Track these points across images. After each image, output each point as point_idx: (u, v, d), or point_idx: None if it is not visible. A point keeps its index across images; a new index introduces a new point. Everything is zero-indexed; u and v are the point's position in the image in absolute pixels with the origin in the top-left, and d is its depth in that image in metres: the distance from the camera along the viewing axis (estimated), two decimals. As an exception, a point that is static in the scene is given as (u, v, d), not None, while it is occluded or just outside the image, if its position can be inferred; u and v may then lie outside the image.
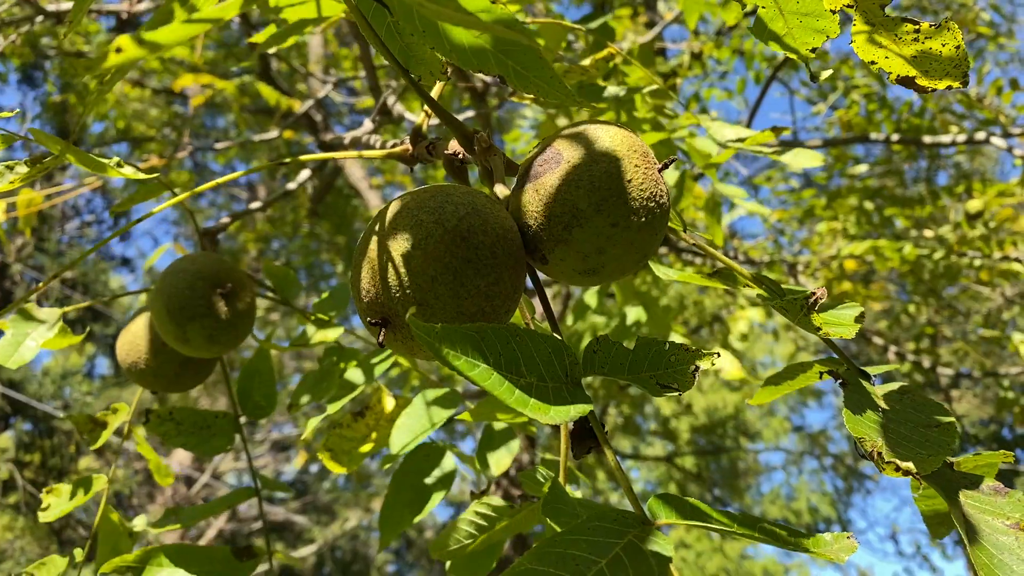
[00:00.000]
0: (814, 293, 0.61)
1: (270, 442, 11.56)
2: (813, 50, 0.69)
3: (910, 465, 0.54)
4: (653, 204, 0.60)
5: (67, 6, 5.01)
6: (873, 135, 4.11)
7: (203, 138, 10.71)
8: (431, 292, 0.57)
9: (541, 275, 0.98)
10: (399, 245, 0.58)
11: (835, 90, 4.93)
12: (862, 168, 4.80)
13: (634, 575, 0.45)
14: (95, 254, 14.26)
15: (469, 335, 0.49)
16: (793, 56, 0.71)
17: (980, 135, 3.69)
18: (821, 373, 0.74)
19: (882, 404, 0.67)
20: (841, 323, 0.65)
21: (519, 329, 0.52)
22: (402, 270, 0.57)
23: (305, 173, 1.43)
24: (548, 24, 1.55)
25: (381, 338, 0.58)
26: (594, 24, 2.14)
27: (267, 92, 5.91)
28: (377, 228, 0.61)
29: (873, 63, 0.66)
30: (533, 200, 0.61)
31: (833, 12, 0.63)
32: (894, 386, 0.71)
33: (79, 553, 1.27)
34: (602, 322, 3.35)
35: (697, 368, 0.59)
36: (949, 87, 0.65)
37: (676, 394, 0.56)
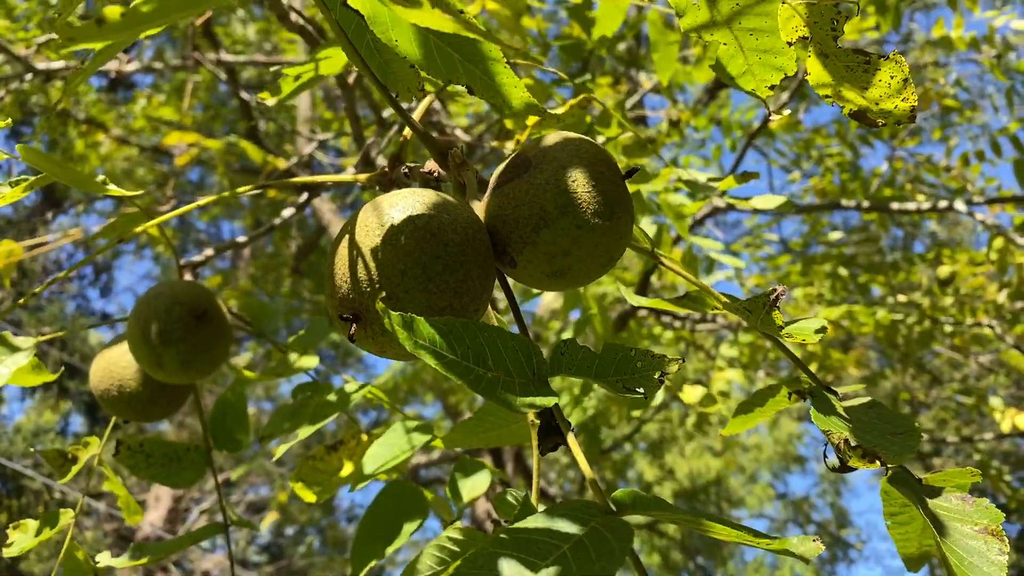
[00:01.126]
0: (775, 291, 0.63)
1: (245, 503, 11.29)
2: (772, 87, 0.73)
3: (877, 452, 0.55)
4: (618, 209, 0.63)
5: (57, 65, 5.09)
6: (845, 202, 4.22)
7: (189, 195, 10.77)
8: (400, 286, 0.59)
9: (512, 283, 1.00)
10: (370, 241, 0.60)
11: (809, 159, 5.08)
12: (837, 235, 4.91)
13: (596, 558, 0.46)
14: (75, 310, 14.11)
15: (438, 326, 0.50)
16: (751, 94, 0.75)
17: (943, 203, 3.81)
18: (790, 394, 0.76)
19: (849, 415, 0.69)
20: (803, 331, 0.68)
21: (488, 326, 0.54)
22: (371, 265, 0.59)
23: (289, 211, 1.45)
24: (530, 84, 1.62)
25: (352, 333, 0.60)
26: (575, 80, 2.22)
27: (253, 151, 5.99)
28: (350, 227, 0.63)
29: (828, 96, 0.70)
30: (502, 204, 0.64)
31: (790, 44, 0.67)
32: (861, 400, 0.73)
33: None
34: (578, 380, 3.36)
35: (663, 374, 0.60)
36: (899, 121, 0.69)
37: (639, 397, 0.57)
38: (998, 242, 4.18)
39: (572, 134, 0.66)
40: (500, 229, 0.64)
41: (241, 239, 1.49)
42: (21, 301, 0.89)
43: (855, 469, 0.65)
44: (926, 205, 3.96)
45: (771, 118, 0.73)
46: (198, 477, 1.27)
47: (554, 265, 0.62)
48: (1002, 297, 4.84)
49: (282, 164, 6.07)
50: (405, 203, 0.62)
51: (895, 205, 4.12)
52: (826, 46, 0.65)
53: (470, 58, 0.54)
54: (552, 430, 0.58)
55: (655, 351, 0.66)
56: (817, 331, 0.68)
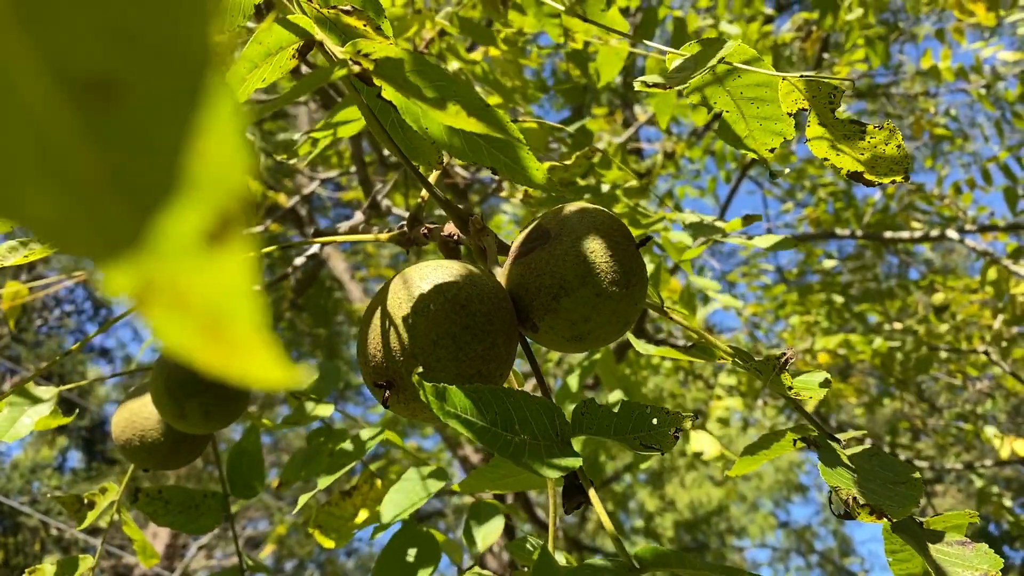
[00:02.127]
0: (785, 354, 0.67)
1: (244, 538, 11.20)
2: (772, 150, 0.77)
3: (883, 509, 0.59)
4: (633, 277, 0.67)
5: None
6: (839, 231, 4.28)
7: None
8: (432, 355, 0.62)
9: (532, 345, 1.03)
10: (402, 312, 0.64)
11: (803, 189, 5.15)
12: (831, 263, 4.96)
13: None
14: (73, 344, 14.08)
15: (468, 394, 0.54)
16: (754, 156, 0.79)
17: (935, 232, 3.87)
18: (795, 440, 0.79)
19: (852, 463, 0.73)
20: (809, 387, 0.71)
21: (514, 391, 0.57)
22: (405, 336, 0.62)
23: (300, 259, 1.49)
24: (532, 129, 1.66)
25: (386, 399, 0.63)
26: (572, 127, 2.27)
27: (254, 186, 6.04)
28: (382, 299, 0.66)
29: (826, 160, 0.74)
30: (524, 273, 0.68)
31: (790, 115, 0.72)
32: (863, 447, 0.76)
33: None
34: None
35: (678, 430, 0.64)
36: (893, 181, 0.73)
37: (657, 453, 0.60)
38: (992, 272, 4.23)
39: (589, 205, 0.70)
40: (523, 297, 0.68)
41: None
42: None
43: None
44: (919, 234, 4.01)
45: (774, 177, 0.77)
46: (216, 524, 1.29)
47: (574, 330, 0.66)
48: (997, 323, 4.89)
49: (282, 199, 6.12)
50: (434, 275, 0.65)
51: (888, 234, 4.18)
52: (824, 117, 0.69)
53: (496, 145, 0.58)
54: (576, 489, 0.61)
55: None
56: (822, 385, 0.72)
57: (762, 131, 0.76)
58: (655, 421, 0.62)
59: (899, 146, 0.69)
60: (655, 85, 0.65)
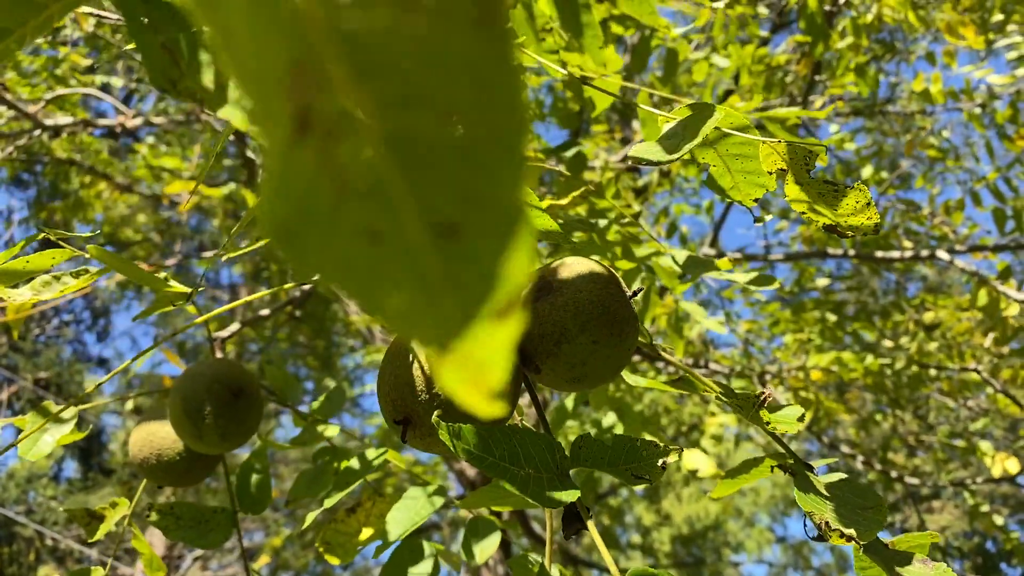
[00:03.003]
0: (763, 392, 0.73)
1: (239, 550, 11.20)
2: (756, 200, 0.84)
3: (852, 532, 0.65)
4: (626, 327, 0.73)
5: (65, 120, 5.21)
6: (832, 250, 4.35)
7: (188, 241, 10.88)
8: (445, 397, 0.68)
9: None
10: (421, 357, 0.70)
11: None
12: (824, 281, 5.03)
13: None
14: (72, 354, 14.09)
15: (480, 433, 0.60)
16: (739, 203, 0.85)
17: (925, 252, 3.95)
18: (772, 467, 0.85)
19: (826, 490, 0.79)
20: (786, 420, 0.78)
21: (520, 429, 0.63)
22: (420, 380, 0.68)
23: (308, 285, 1.55)
24: (531, 157, 1.73)
25: (404, 435, 0.69)
26: (569, 153, 2.34)
27: (252, 199, 6.10)
28: (401, 342, 0.72)
29: (804, 214, 0.81)
30: (529, 321, 0.74)
31: (770, 173, 0.78)
32: (835, 476, 0.82)
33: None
34: (577, 426, 3.45)
35: (665, 462, 0.70)
36: (864, 233, 0.79)
37: (647, 483, 0.67)
38: (983, 292, 4.30)
39: (587, 260, 0.76)
40: (527, 342, 0.74)
41: (264, 311, 1.59)
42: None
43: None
44: (909, 253, 4.09)
45: (758, 222, 0.84)
46: (225, 538, 1.35)
47: (573, 373, 0.72)
48: (988, 342, 4.96)
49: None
50: None
51: (879, 253, 4.25)
52: (800, 177, 0.76)
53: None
54: (574, 517, 0.67)
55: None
56: (799, 419, 0.78)
57: (746, 183, 0.83)
58: (644, 453, 0.68)
59: (868, 203, 0.76)
60: (649, 162, 0.72)
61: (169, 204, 8.56)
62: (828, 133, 5.24)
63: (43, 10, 0.37)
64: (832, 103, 5.02)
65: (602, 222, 1.47)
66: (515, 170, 0.16)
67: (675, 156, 0.71)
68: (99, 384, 1.27)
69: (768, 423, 0.73)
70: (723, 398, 0.77)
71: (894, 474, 4.97)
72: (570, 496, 0.61)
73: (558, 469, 0.64)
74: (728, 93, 4.51)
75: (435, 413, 0.62)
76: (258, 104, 0.15)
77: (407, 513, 1.18)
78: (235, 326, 1.42)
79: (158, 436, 1.22)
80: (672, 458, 0.69)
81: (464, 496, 1.41)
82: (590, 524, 0.65)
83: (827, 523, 0.66)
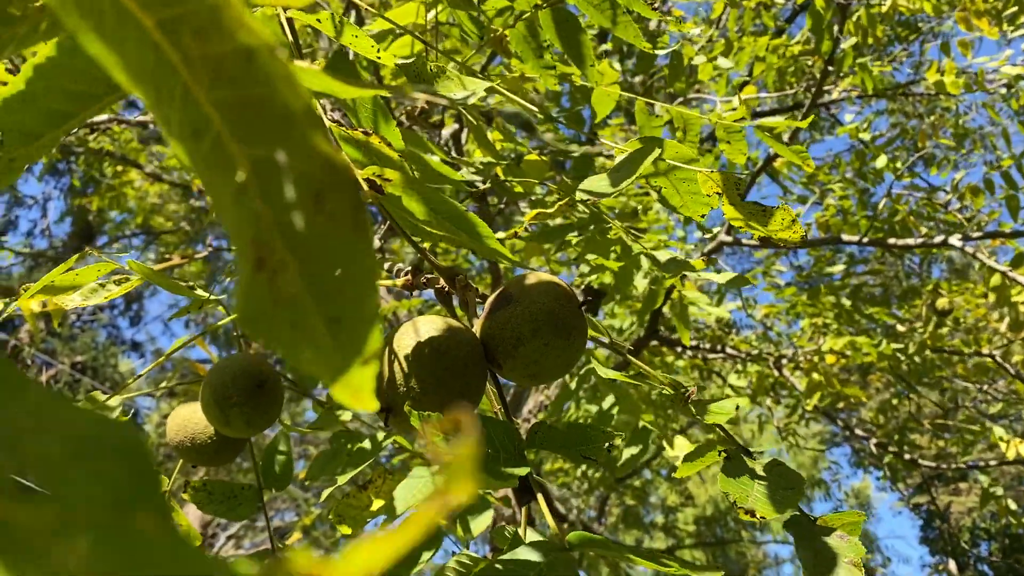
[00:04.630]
0: (687, 390, 0.86)
1: (272, 528, 11.52)
2: (703, 216, 0.96)
3: (753, 509, 0.78)
4: (574, 332, 0.86)
5: (101, 117, 5.41)
6: (846, 236, 4.42)
7: (217, 226, 11.16)
8: (421, 389, 0.82)
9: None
10: (400, 357, 0.84)
11: (813, 194, 5.29)
12: (839, 268, 5.09)
13: (550, 580, 0.68)
14: (106, 338, 14.50)
15: (446, 419, 0.74)
16: (690, 217, 0.98)
17: (939, 238, 4.00)
18: (720, 451, 0.98)
19: (759, 471, 0.92)
20: (721, 412, 0.90)
21: (486, 417, 0.76)
22: (399, 375, 0.82)
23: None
24: (534, 161, 1.85)
25: (387, 421, 0.83)
26: (578, 152, 2.45)
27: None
28: (387, 344, 0.86)
29: (741, 227, 0.93)
30: (492, 327, 0.87)
31: (708, 195, 0.91)
32: (769, 460, 0.95)
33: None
34: (592, 409, 3.59)
35: (611, 446, 0.83)
36: (793, 241, 0.91)
37: (594, 463, 0.80)
38: (996, 278, 4.34)
39: (545, 276, 0.89)
40: (490, 344, 0.87)
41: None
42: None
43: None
44: (921, 240, 4.15)
45: (705, 232, 0.96)
46: (252, 512, 1.51)
47: (529, 370, 0.86)
48: (1004, 327, 4.99)
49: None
50: (425, 329, 0.85)
51: (892, 240, 4.31)
52: (732, 199, 0.88)
53: (459, 226, 0.77)
54: (527, 490, 0.80)
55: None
56: (736, 409, 0.90)
57: (694, 202, 0.95)
58: (593, 438, 0.81)
59: (793, 219, 0.88)
60: (598, 195, 0.85)
61: (199, 193, 8.78)
62: (848, 120, 5.27)
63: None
64: (846, 95, 5.04)
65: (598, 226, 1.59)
66: (371, 296, 0.29)
67: (618, 189, 0.84)
68: (140, 375, 1.43)
69: (696, 415, 0.86)
70: (666, 392, 0.90)
71: (908, 456, 5.05)
72: (521, 471, 0.74)
73: (515, 450, 0.77)
74: (744, 83, 4.57)
75: (406, 404, 0.76)
76: (236, 251, 0.28)
77: (412, 490, 1.32)
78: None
79: (191, 421, 1.38)
80: (617, 442, 0.82)
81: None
82: (539, 496, 0.78)
83: (734, 503, 0.78)
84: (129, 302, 14.87)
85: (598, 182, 0.89)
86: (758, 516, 0.78)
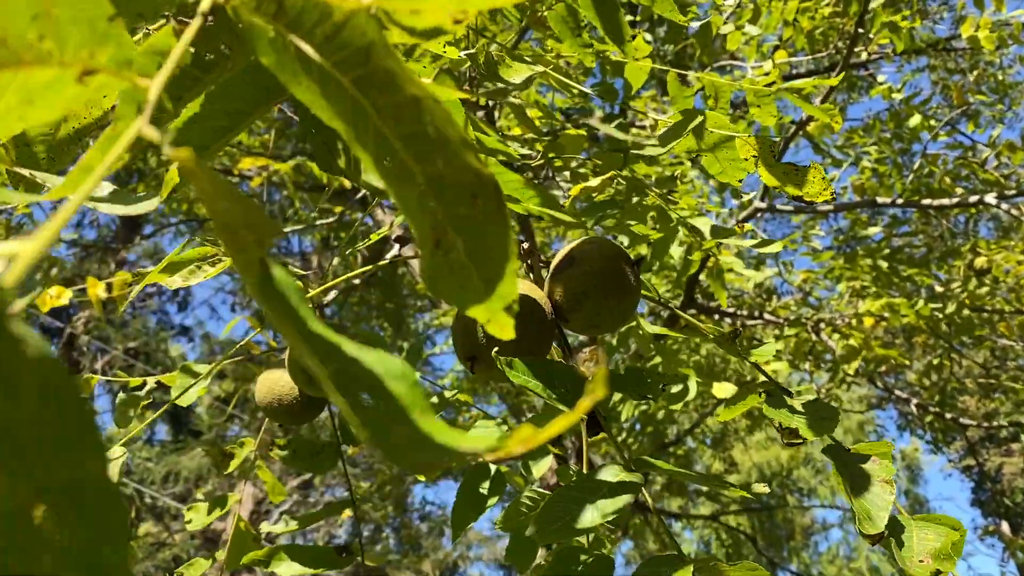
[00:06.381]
0: (735, 329, 0.97)
1: (323, 504, 11.89)
2: (740, 180, 1.07)
3: (797, 429, 0.89)
4: (630, 286, 0.98)
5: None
6: (880, 199, 4.44)
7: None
8: (501, 342, 0.94)
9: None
10: None
11: (849, 158, 5.29)
12: (875, 230, 5.10)
13: (623, 492, 0.81)
14: (156, 323, 14.94)
15: (527, 364, 0.86)
16: (728, 182, 1.08)
17: (973, 198, 4.01)
18: (760, 392, 1.09)
19: (799, 407, 1.03)
20: (764, 353, 1.02)
21: (553, 362, 0.88)
22: (482, 330, 0.95)
23: (394, 249, 1.83)
24: (572, 135, 1.96)
25: (472, 367, 0.96)
26: (613, 124, 2.54)
27: (319, 171, 6.45)
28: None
29: (776, 187, 1.03)
30: (558, 287, 1.00)
31: (745, 159, 1.01)
32: (808, 397, 1.06)
33: (220, 554, 1.64)
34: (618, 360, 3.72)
35: (664, 387, 0.95)
36: (825, 201, 1.02)
37: (649, 400, 0.92)
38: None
39: (601, 239, 1.01)
40: (557, 301, 1.00)
41: (354, 277, 1.87)
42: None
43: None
44: (956, 200, 4.16)
45: (737, 197, 1.07)
46: (332, 466, 1.66)
47: (591, 322, 0.98)
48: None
49: (347, 182, 6.52)
50: None
51: (927, 201, 4.33)
52: (767, 162, 0.98)
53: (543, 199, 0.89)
54: (595, 423, 0.92)
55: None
56: (776, 353, 1.02)
57: (732, 168, 1.06)
58: (648, 381, 0.93)
59: (823, 177, 0.98)
60: (649, 158, 0.96)
61: (239, 178, 8.99)
62: (889, 78, 5.25)
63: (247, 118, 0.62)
64: (881, 53, 5.02)
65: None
66: (511, 263, 0.41)
67: (667, 149, 0.95)
68: (216, 366, 1.57)
69: (739, 354, 0.97)
70: (713, 337, 1.01)
71: (949, 416, 5.08)
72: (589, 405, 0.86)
73: (580, 388, 0.90)
74: (775, 48, 4.60)
75: (494, 350, 0.88)
76: (419, 236, 0.41)
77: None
78: (332, 294, 1.71)
79: (278, 384, 1.53)
80: (672, 388, 0.94)
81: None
82: (605, 428, 0.91)
83: (779, 425, 0.90)
84: (176, 289, 15.24)
85: (648, 144, 1.00)
86: (800, 436, 0.90)
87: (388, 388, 0.36)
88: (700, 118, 0.95)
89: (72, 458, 0.24)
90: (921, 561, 0.84)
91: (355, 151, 0.40)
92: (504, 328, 0.46)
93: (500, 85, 1.11)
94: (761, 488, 1.00)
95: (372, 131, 0.39)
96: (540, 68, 1.07)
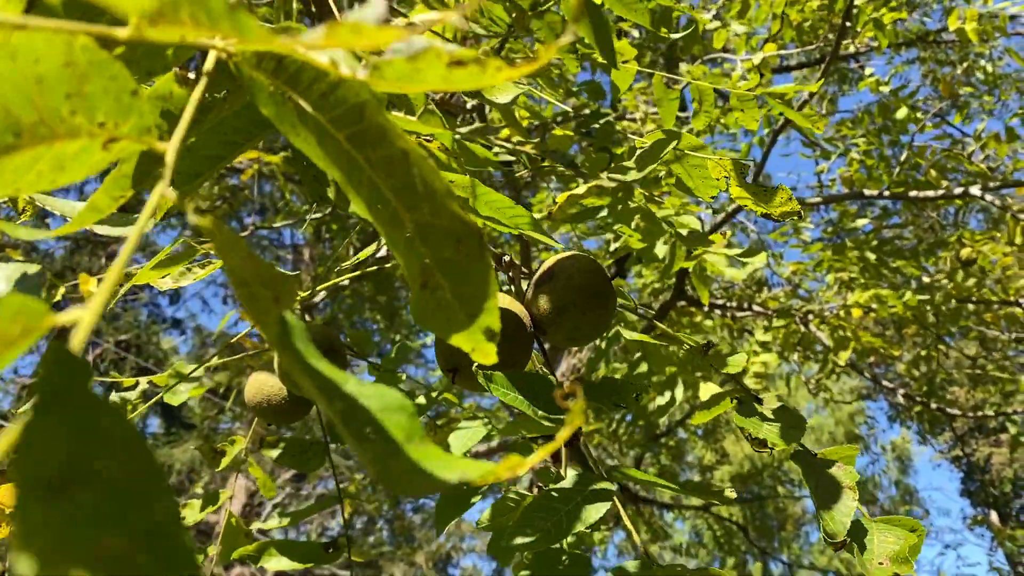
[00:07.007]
0: (708, 342, 1.01)
1: (316, 496, 11.94)
2: (712, 197, 1.10)
3: (765, 438, 0.93)
4: (607, 299, 1.02)
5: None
6: (868, 191, 4.48)
7: (250, 203, 11.40)
8: None
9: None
10: None
11: (838, 150, 5.33)
12: (863, 222, 5.15)
13: (594, 500, 0.85)
14: (147, 316, 14.93)
15: (505, 378, 0.89)
16: (702, 197, 1.12)
17: (958, 190, 4.06)
18: (732, 398, 1.13)
19: (767, 414, 1.07)
20: (736, 363, 1.05)
21: (532, 374, 0.92)
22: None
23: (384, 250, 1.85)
24: (560, 135, 1.99)
25: (454, 380, 1.00)
26: (600, 123, 2.58)
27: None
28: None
29: (745, 204, 1.07)
30: (538, 301, 1.03)
31: (718, 179, 1.05)
32: (776, 404, 1.10)
33: (212, 549, 1.68)
34: (623, 367, 3.76)
35: (639, 395, 0.99)
36: (796, 215, 1.05)
37: (625, 409, 0.95)
38: (1019, 228, 4.39)
39: (578, 253, 1.05)
40: (536, 313, 1.03)
41: (344, 281, 1.90)
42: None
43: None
44: (942, 192, 4.21)
45: (715, 212, 1.10)
46: (320, 464, 1.69)
47: (570, 335, 1.02)
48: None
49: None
50: None
51: (913, 193, 4.37)
52: (739, 181, 1.02)
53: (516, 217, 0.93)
54: (574, 436, 0.96)
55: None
56: (747, 360, 1.05)
57: (704, 185, 1.10)
58: (624, 390, 0.97)
59: (790, 198, 1.02)
60: (624, 183, 0.99)
61: (230, 171, 8.98)
62: (879, 70, 5.29)
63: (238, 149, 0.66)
64: (869, 47, 5.06)
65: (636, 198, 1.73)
66: (492, 299, 0.45)
67: (642, 175, 0.98)
68: (209, 362, 1.60)
69: (712, 365, 1.01)
70: (688, 348, 1.05)
71: (935, 406, 5.15)
72: (559, 418, 0.90)
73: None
74: (765, 41, 4.63)
75: (474, 364, 0.92)
76: (408, 277, 0.44)
77: (464, 437, 1.50)
78: (322, 293, 1.75)
79: (267, 384, 1.56)
80: (647, 392, 0.97)
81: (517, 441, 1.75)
82: (581, 437, 0.94)
83: (749, 435, 0.94)
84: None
85: (626, 168, 1.03)
86: (769, 445, 0.94)
87: (383, 423, 0.40)
88: (675, 141, 0.98)
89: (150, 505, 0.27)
90: (880, 564, 0.88)
91: (348, 195, 0.44)
92: (487, 355, 0.50)
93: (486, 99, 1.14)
94: (730, 493, 1.04)
95: (366, 181, 0.43)
96: (525, 86, 1.10)
